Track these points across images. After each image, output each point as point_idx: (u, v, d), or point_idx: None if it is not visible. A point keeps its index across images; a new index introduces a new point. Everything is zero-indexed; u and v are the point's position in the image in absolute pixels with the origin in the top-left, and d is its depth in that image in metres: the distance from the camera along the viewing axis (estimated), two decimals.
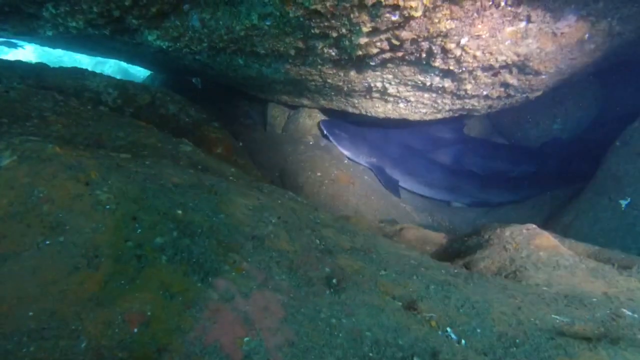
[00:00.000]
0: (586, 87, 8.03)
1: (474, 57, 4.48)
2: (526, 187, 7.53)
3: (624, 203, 4.77)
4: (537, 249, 2.39)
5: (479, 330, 1.59)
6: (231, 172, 2.58)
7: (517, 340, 1.54)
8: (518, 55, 4.49)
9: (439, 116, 6.95)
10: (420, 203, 7.90)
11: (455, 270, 2.10)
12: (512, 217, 6.95)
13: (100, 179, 1.62)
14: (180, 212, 1.67)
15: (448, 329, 1.60)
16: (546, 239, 2.48)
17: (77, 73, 5.83)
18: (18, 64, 5.63)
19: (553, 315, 1.74)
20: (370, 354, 1.40)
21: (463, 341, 1.56)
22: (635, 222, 4.76)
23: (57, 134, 2.59)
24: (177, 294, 1.38)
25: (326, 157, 7.50)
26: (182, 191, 1.80)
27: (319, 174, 7.34)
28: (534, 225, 2.74)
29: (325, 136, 7.70)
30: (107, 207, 1.53)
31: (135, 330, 1.22)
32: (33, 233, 1.37)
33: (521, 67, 4.78)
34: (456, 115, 6.88)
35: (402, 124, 7.33)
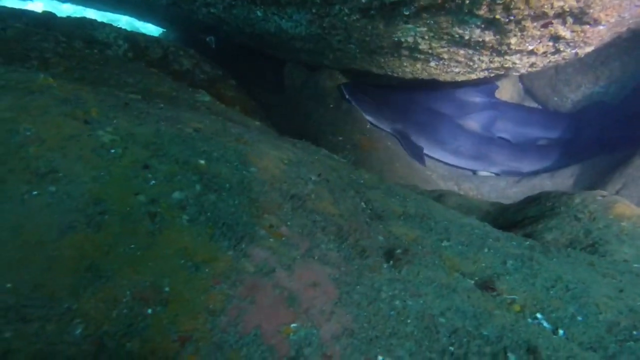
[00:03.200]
0: (634, 45, 7.30)
1: (527, 2, 3.93)
2: (561, 156, 7.04)
3: None
4: (618, 219, 2.02)
5: (580, 318, 1.26)
6: (256, 126, 2.22)
7: (635, 333, 1.21)
8: (578, 1, 3.92)
9: (473, 76, 6.40)
10: (446, 171, 7.49)
11: (528, 242, 1.75)
12: (547, 186, 6.52)
13: (103, 118, 1.29)
14: (203, 162, 1.34)
15: (539, 316, 1.27)
16: (627, 207, 2.10)
17: (86, 23, 5.44)
18: (24, 12, 5.26)
19: None
20: (451, 348, 1.08)
21: (561, 331, 1.23)
22: None
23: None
24: (203, 264, 1.07)
25: (348, 121, 7.08)
26: (205, 138, 1.46)
27: (340, 138, 6.95)
28: (606, 192, 2.35)
29: (346, 100, 7.25)
30: (112, 151, 1.21)
31: (149, 311, 0.92)
32: (16, 181, 1.05)
33: (578, 15, 4.21)
34: (491, 75, 6.32)
35: (429, 86, 6.81)
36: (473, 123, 7.84)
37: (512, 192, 7.03)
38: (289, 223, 1.33)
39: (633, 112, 7.05)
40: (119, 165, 1.17)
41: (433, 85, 6.80)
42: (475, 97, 8.05)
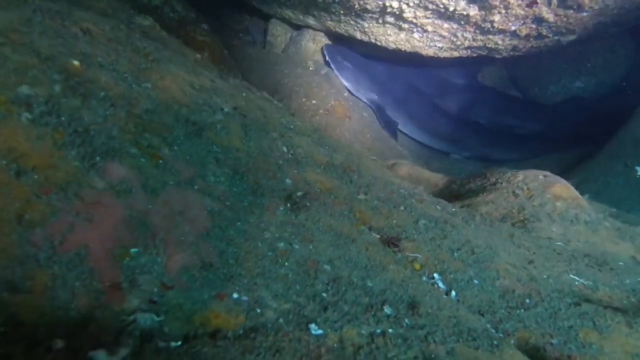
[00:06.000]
0: (618, 43, 7.24)
1: None
2: (532, 147, 7.06)
3: None
4: (554, 198, 1.96)
5: (476, 282, 1.19)
6: (195, 58, 2.03)
7: (527, 301, 1.14)
8: None
9: (456, 54, 6.24)
10: (418, 149, 7.43)
11: (454, 209, 1.67)
12: None
13: None
14: (76, 62, 1.15)
15: (435, 275, 1.19)
16: (565, 189, 2.05)
17: None
18: None
19: (571, 276, 1.34)
20: (324, 294, 0.99)
21: (453, 293, 1.16)
22: None
23: None
24: (32, 169, 0.91)
25: (324, 85, 6.85)
26: (93, 42, 1.27)
27: (314, 101, 6.73)
28: (550, 173, 2.29)
29: (327, 63, 6.99)
30: None
31: None
32: None
33: None
34: (474, 55, 6.17)
35: (412, 61, 6.62)
36: (451, 104, 7.75)
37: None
38: (175, 147, 1.18)
39: (609, 110, 7.07)
40: None
41: (416, 61, 6.62)
42: (457, 79, 7.92)
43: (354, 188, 1.46)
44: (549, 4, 4.18)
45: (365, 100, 7.05)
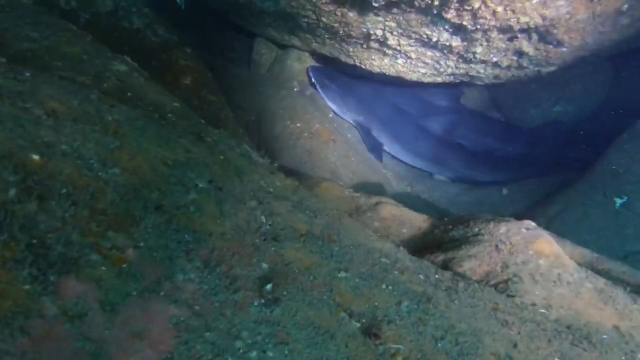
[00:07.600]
0: (597, 70, 7.45)
1: (494, 13, 3.81)
2: (515, 169, 7.16)
3: (619, 202, 4.42)
4: (537, 256, 1.95)
5: None
6: (172, 108, 1.95)
7: None
8: (544, 19, 3.84)
9: (439, 80, 6.33)
10: (402, 171, 7.45)
11: (437, 276, 1.63)
12: (494, 199, 6.62)
13: None
14: (36, 157, 1.07)
15: None
16: (548, 245, 2.04)
17: None
18: None
19: None
20: None
21: None
22: (627, 223, 4.44)
23: None
24: None
25: (309, 107, 6.85)
26: (58, 125, 1.18)
27: (298, 124, 6.73)
28: (534, 224, 2.28)
29: (312, 84, 7.00)
30: None
31: None
32: None
33: (543, 33, 4.15)
34: (456, 81, 6.27)
35: (396, 83, 6.69)
36: (435, 125, 7.83)
37: (462, 200, 7.09)
38: (141, 244, 1.10)
39: (587, 136, 7.23)
40: None
41: (400, 83, 6.70)
42: (441, 101, 8.03)
43: (334, 264, 1.41)
44: (529, 38, 4.26)
45: (350, 121, 7.06)
